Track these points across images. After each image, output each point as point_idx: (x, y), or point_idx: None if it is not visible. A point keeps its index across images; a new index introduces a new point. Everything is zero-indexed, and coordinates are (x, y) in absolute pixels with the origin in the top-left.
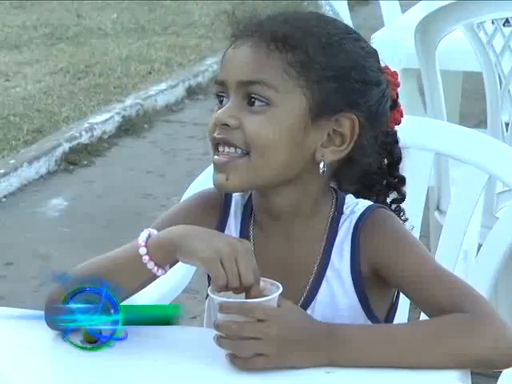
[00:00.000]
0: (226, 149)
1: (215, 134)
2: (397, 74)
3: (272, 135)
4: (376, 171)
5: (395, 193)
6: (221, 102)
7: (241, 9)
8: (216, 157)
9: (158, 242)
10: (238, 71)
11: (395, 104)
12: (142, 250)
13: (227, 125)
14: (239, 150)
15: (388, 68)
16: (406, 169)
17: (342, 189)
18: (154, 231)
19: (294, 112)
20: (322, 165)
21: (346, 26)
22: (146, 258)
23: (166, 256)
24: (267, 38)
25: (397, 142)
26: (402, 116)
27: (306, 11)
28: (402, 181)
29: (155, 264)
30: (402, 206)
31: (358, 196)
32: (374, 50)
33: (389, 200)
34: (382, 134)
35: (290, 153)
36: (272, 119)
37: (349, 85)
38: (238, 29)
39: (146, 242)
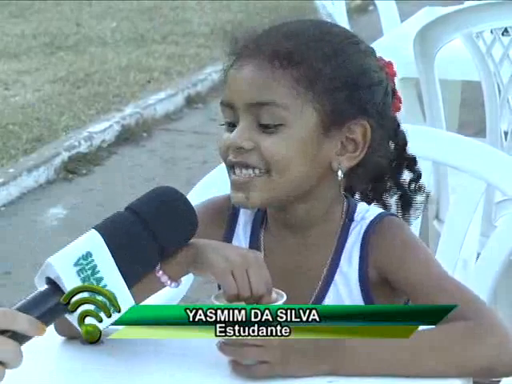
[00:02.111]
0: (244, 171)
1: (231, 158)
2: (391, 64)
3: (288, 153)
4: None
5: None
6: (229, 124)
7: (239, 26)
8: (234, 176)
9: (172, 256)
10: (246, 93)
11: (394, 92)
12: None
13: (242, 148)
14: (257, 171)
15: (382, 59)
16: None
17: (353, 186)
18: None
19: (306, 127)
20: (339, 173)
21: (345, 31)
22: (159, 272)
23: (180, 270)
24: (270, 57)
25: (398, 125)
26: (400, 102)
27: (304, 20)
28: (414, 160)
29: (168, 278)
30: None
31: (370, 189)
32: (372, 48)
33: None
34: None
35: (307, 166)
36: (286, 137)
37: (357, 92)
38: (238, 47)
39: None
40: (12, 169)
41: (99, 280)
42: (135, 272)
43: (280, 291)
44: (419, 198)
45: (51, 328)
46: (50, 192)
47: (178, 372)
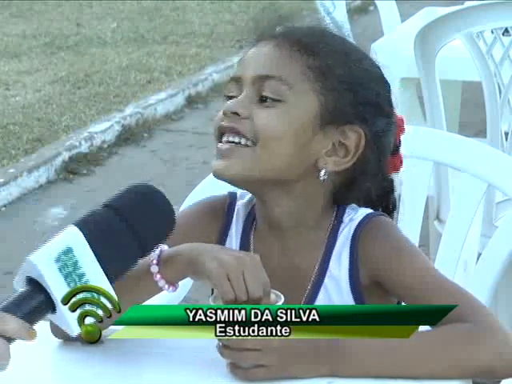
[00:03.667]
0: (231, 138)
1: (223, 123)
2: (403, 121)
3: (280, 129)
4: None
5: None
6: (230, 98)
7: (269, 14)
8: (220, 144)
9: (169, 260)
10: (257, 66)
11: (397, 150)
12: (154, 268)
13: (237, 114)
14: (244, 140)
15: (395, 112)
16: (405, 178)
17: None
18: (165, 247)
19: (304, 112)
20: (323, 172)
21: (366, 53)
22: (157, 277)
23: (177, 274)
24: (291, 41)
25: (392, 190)
26: (401, 164)
27: (331, 31)
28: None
29: (166, 282)
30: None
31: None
32: (387, 82)
33: None
34: (384, 165)
35: (294, 151)
36: (282, 114)
37: (362, 100)
38: (263, 33)
39: (158, 259)
40: (12, 169)
41: (81, 276)
42: (117, 269)
43: (278, 292)
44: None
45: (48, 330)
46: (51, 192)
47: (176, 373)
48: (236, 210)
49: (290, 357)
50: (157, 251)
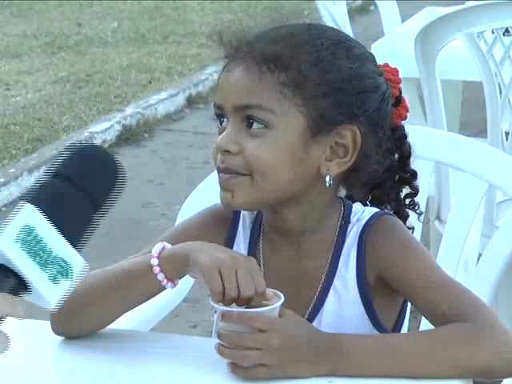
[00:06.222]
0: (227, 175)
1: (218, 162)
2: (397, 71)
3: (273, 158)
4: (386, 169)
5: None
6: (221, 122)
7: (231, 28)
8: (221, 175)
9: (169, 255)
10: (234, 96)
11: (399, 100)
12: (154, 261)
13: (228, 151)
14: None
15: (388, 65)
16: None
17: (352, 194)
18: (169, 245)
19: (292, 132)
20: (327, 178)
21: (338, 34)
22: (156, 269)
23: (176, 270)
24: (258, 60)
25: (405, 136)
26: (407, 111)
27: (298, 23)
28: (414, 175)
29: (165, 276)
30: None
31: (370, 199)
32: (370, 53)
33: (402, 195)
34: (385, 137)
35: (294, 171)
36: (271, 141)
37: (345, 98)
38: (230, 49)
39: (159, 253)
40: (13, 169)
41: (43, 248)
42: (75, 231)
43: (278, 292)
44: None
45: (49, 328)
46: None
47: (176, 373)
48: (242, 216)
49: (290, 357)
50: (159, 246)
